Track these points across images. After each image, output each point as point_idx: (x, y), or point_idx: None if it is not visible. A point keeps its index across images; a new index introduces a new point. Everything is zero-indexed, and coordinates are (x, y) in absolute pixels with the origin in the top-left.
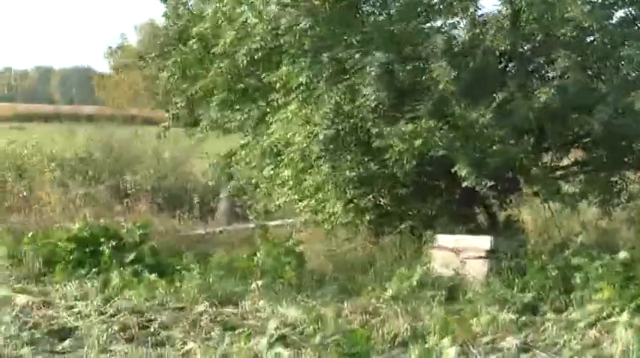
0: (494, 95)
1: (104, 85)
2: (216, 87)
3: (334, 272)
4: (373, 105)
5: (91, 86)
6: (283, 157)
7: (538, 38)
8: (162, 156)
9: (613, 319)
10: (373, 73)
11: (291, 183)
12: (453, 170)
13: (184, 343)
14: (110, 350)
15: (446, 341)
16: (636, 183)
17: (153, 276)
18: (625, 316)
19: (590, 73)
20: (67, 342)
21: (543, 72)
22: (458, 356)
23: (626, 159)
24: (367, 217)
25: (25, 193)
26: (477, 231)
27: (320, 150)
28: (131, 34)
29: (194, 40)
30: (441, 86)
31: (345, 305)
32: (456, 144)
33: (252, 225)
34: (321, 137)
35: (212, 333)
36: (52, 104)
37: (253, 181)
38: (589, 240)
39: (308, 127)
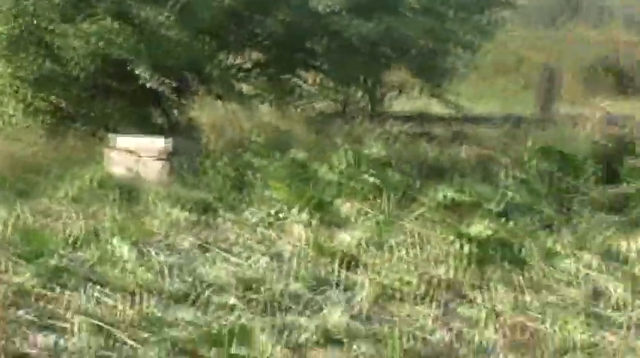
0: None
1: None
2: None
3: (10, 175)
4: (56, 2)
5: None
6: None
7: None
8: None
9: (288, 218)
10: None
11: None
12: (130, 69)
13: None
14: None
15: (117, 239)
16: (312, 84)
17: None
18: (299, 215)
19: None
20: None
21: None
22: (134, 256)
23: (302, 59)
24: (45, 118)
25: None
26: (155, 131)
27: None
28: None
29: None
30: None
31: (22, 207)
32: (137, 45)
33: None
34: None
35: None
36: None
37: None
38: (266, 141)
39: None
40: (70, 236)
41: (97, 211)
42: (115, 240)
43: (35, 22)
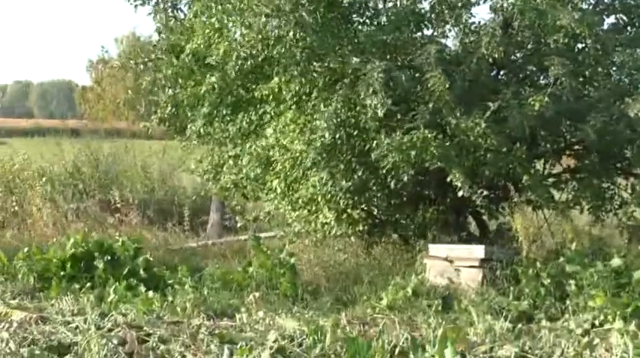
0: (488, 104)
1: (86, 99)
2: (205, 99)
3: (328, 282)
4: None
5: (71, 100)
6: (274, 166)
7: (530, 46)
8: (150, 169)
9: (607, 326)
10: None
11: (278, 190)
12: (447, 179)
13: (184, 356)
14: None
15: (448, 351)
16: (627, 189)
17: (147, 290)
18: (619, 323)
19: (582, 79)
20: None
21: (536, 79)
22: None
23: (617, 166)
24: (360, 227)
25: (16, 209)
26: (468, 239)
27: (317, 158)
28: (112, 47)
29: (186, 53)
30: (435, 96)
31: (342, 315)
32: (450, 154)
33: (243, 237)
34: (318, 144)
35: (211, 346)
36: (32, 118)
37: (241, 187)
38: (581, 247)
39: (303, 136)
40: (389, 344)
41: (414, 319)
42: (436, 349)
43: (349, 131)
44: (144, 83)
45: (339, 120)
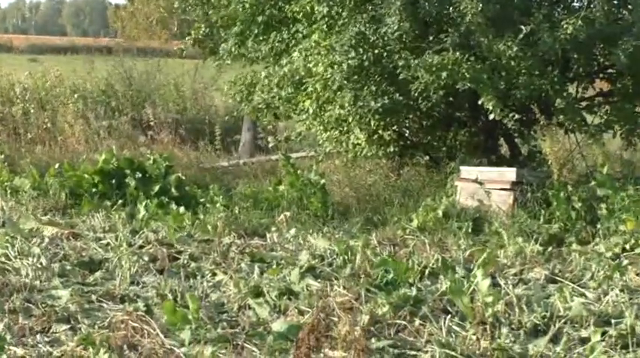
0: (521, 26)
1: (120, 16)
2: (237, 18)
3: (358, 203)
4: (396, 35)
5: (104, 18)
6: (305, 86)
7: None
8: (182, 88)
9: (638, 250)
10: (398, 3)
11: (310, 111)
12: (479, 102)
13: (214, 274)
14: (141, 282)
15: (479, 272)
16: None
17: (179, 208)
18: None
19: (616, 2)
20: (97, 274)
21: (569, 2)
22: (486, 286)
23: None
24: (391, 148)
25: (48, 125)
26: (499, 162)
27: (342, 80)
28: None
29: None
30: (467, 18)
31: (372, 236)
32: (482, 76)
33: (274, 157)
34: (344, 67)
35: (241, 265)
36: (65, 36)
37: (273, 107)
38: (613, 172)
39: (330, 57)
40: (419, 265)
41: (444, 241)
42: (465, 270)
43: (378, 52)
44: (176, 3)
45: (367, 40)
